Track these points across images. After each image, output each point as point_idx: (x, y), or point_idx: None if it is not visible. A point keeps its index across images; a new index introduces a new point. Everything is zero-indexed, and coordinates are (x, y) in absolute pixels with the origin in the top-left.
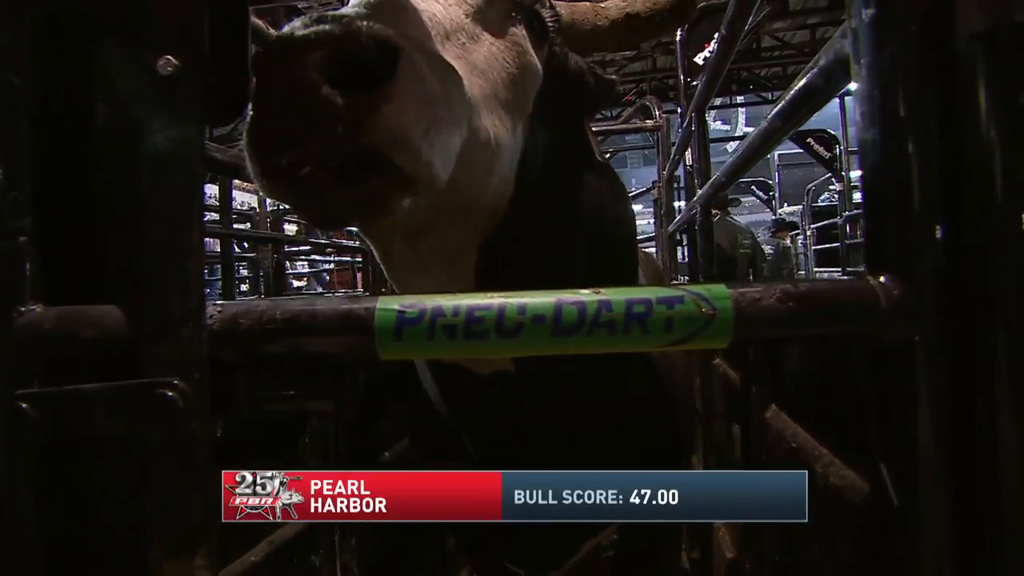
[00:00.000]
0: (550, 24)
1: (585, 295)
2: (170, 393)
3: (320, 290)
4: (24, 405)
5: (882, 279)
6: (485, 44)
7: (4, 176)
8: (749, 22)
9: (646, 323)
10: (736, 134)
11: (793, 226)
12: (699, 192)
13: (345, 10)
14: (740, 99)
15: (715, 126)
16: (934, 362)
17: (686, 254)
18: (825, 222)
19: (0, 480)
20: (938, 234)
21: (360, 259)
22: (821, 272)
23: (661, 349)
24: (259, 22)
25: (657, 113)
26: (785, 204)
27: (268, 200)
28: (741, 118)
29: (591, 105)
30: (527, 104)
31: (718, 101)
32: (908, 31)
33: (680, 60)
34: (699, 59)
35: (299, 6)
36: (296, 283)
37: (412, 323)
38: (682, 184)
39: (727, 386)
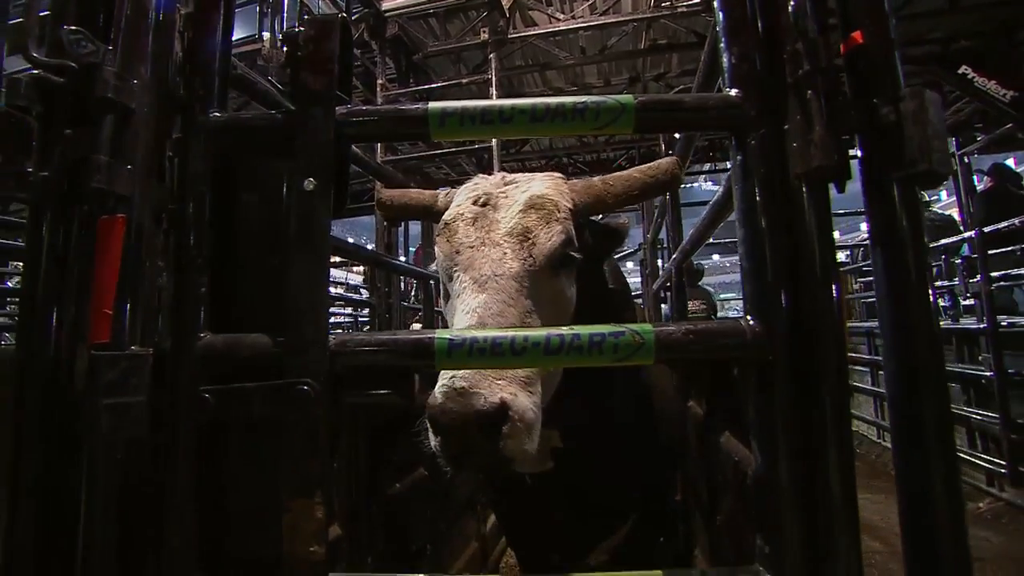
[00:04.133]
0: (579, 245)
1: (564, 330)
2: (305, 387)
3: None
4: (207, 395)
5: (750, 321)
6: (544, 282)
7: (195, 246)
8: None
9: (602, 347)
10: None
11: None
12: (672, 257)
13: (479, 387)
14: (728, 164)
15: (706, 186)
16: (784, 374)
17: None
18: None
19: (185, 447)
20: (783, 294)
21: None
22: None
23: (612, 364)
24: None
25: None
26: None
27: None
28: None
29: (609, 249)
30: (572, 303)
31: (707, 166)
32: (760, 171)
33: (663, 135)
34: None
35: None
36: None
37: (458, 347)
38: (666, 245)
39: (697, 424)
